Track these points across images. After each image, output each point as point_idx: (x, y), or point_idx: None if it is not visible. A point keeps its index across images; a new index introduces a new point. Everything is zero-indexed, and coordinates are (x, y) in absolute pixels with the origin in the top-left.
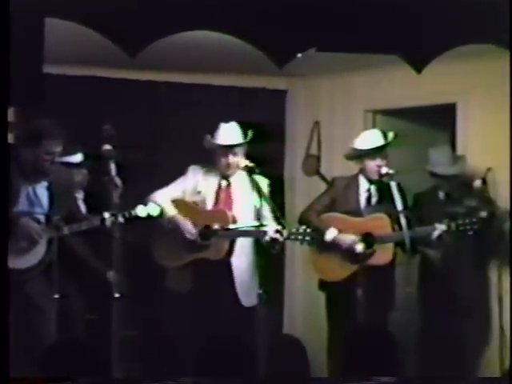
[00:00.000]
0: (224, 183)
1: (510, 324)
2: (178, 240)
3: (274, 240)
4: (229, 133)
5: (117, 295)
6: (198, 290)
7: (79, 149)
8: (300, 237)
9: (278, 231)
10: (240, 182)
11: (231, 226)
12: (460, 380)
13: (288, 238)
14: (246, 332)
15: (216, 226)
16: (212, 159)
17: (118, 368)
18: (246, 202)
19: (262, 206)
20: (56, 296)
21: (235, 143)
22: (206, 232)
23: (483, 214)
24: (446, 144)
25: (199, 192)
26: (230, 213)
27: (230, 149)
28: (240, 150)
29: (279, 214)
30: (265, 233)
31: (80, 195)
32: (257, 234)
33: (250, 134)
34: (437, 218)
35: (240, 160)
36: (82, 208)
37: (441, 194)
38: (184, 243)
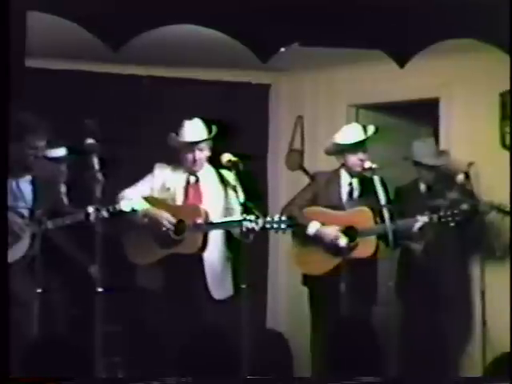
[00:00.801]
0: (192, 179)
1: (510, 321)
2: (150, 236)
3: (249, 229)
4: (193, 129)
5: (99, 290)
6: (170, 285)
7: (62, 143)
8: (275, 225)
9: (252, 221)
10: (208, 177)
11: (222, 220)
12: (445, 379)
13: (263, 227)
14: (220, 325)
15: (190, 221)
16: (178, 156)
17: (99, 363)
18: (215, 196)
19: (231, 199)
20: (39, 290)
21: (201, 139)
22: (180, 227)
23: (465, 206)
24: (430, 137)
25: (168, 189)
26: (202, 207)
27: (195, 145)
28: (205, 146)
29: (251, 205)
30: (240, 222)
31: (62, 189)
32: (232, 225)
33: (214, 129)
34: (419, 211)
35: (206, 154)
36: (65, 202)
37: (422, 187)
38: (157, 239)
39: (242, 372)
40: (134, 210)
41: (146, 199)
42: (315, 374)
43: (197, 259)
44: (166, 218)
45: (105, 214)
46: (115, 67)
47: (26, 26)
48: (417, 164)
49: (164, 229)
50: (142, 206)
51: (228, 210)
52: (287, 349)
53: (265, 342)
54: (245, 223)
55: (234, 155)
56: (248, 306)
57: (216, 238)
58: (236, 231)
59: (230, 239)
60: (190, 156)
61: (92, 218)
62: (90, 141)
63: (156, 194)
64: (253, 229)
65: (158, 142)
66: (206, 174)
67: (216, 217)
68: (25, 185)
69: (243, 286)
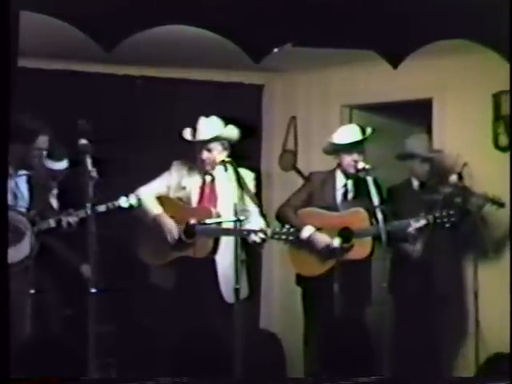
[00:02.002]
0: (208, 178)
1: (510, 321)
2: (162, 238)
3: (256, 241)
4: (202, 128)
5: (93, 290)
6: (182, 287)
7: (64, 154)
8: (284, 236)
9: (262, 231)
10: (225, 177)
11: (215, 221)
12: (439, 380)
13: (272, 237)
14: (230, 328)
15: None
16: (190, 154)
17: (95, 364)
18: (230, 196)
19: (246, 200)
20: (32, 291)
21: (206, 138)
22: (190, 230)
23: (459, 199)
24: (424, 134)
25: (184, 188)
26: (214, 210)
27: (202, 144)
28: (216, 146)
29: (264, 211)
30: (249, 232)
31: (55, 191)
32: (241, 233)
33: (229, 128)
34: (413, 209)
35: (217, 155)
36: (55, 204)
37: (415, 184)
38: (167, 241)
39: (235, 372)
40: (131, 207)
41: (160, 199)
42: (308, 374)
43: (209, 262)
44: (171, 231)
45: (103, 210)
46: (108, 68)
47: (19, 26)
48: (410, 157)
49: (169, 237)
50: (138, 202)
51: (243, 213)
52: (280, 349)
53: (258, 342)
54: (253, 236)
55: (227, 155)
56: (242, 307)
57: (230, 241)
58: (249, 238)
59: (243, 242)
60: (198, 156)
61: (89, 215)
62: (82, 141)
63: (172, 193)
64: (263, 240)
65: (151, 142)
66: (224, 173)
67: (229, 218)
68: (23, 184)
69: (237, 287)
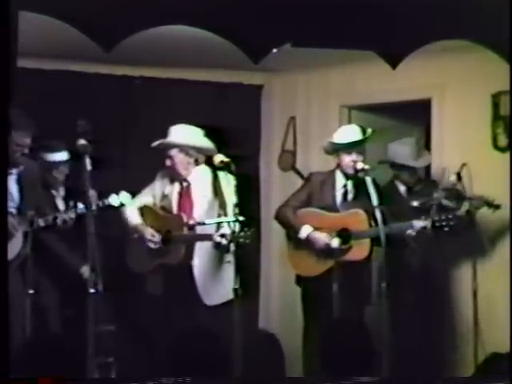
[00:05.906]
0: (185, 184)
1: (511, 321)
2: (143, 247)
3: (218, 244)
4: (170, 134)
5: (92, 291)
6: (165, 292)
7: (64, 147)
8: (241, 240)
9: (222, 235)
10: (201, 182)
11: (214, 221)
12: (438, 379)
13: (231, 241)
14: (212, 326)
15: (175, 231)
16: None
17: (92, 364)
18: (205, 201)
19: (222, 204)
20: (30, 291)
21: (158, 145)
22: (167, 237)
23: (452, 204)
24: (409, 137)
25: (166, 196)
26: (185, 217)
27: (165, 151)
28: (176, 153)
29: (227, 213)
30: (210, 237)
31: (61, 192)
32: (204, 238)
33: (188, 134)
34: (401, 214)
35: (180, 162)
36: (61, 205)
37: (401, 189)
38: (148, 250)
39: (234, 372)
40: (122, 205)
41: (142, 210)
42: (307, 374)
43: (186, 268)
44: (151, 238)
45: (94, 209)
46: (107, 68)
47: (18, 26)
48: (394, 166)
49: (151, 245)
50: (129, 200)
51: (219, 216)
52: (279, 349)
53: (257, 342)
54: (214, 237)
55: (227, 156)
56: (240, 307)
57: (205, 245)
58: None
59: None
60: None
61: (81, 213)
62: (81, 141)
63: (158, 202)
64: (220, 243)
65: (149, 142)
66: (200, 178)
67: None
68: (11, 183)
69: (236, 287)
